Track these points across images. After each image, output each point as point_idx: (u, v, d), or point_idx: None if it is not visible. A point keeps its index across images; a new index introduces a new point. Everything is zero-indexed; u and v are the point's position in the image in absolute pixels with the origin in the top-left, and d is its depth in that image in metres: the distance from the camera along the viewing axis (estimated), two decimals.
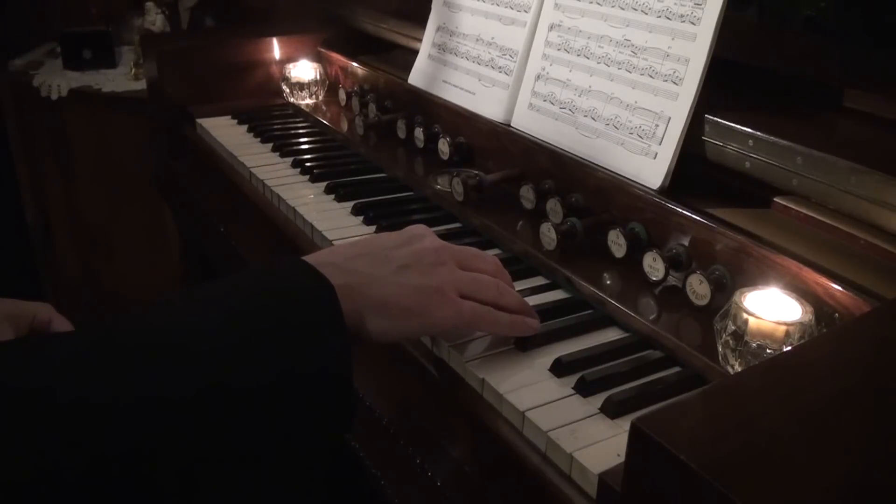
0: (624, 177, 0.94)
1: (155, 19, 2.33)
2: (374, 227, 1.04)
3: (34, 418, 0.48)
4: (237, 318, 0.58)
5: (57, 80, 2.22)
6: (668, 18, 0.93)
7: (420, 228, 0.78)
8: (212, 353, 0.55)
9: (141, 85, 2.12)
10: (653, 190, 0.91)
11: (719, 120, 0.89)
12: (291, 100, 1.54)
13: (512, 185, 1.06)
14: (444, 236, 1.00)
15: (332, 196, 1.14)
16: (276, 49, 1.61)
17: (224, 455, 0.54)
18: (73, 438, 0.48)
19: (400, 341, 0.80)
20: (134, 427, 0.50)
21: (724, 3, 0.88)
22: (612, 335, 0.80)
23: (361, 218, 1.07)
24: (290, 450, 0.58)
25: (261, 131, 1.41)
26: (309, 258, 0.67)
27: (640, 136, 0.94)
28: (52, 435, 0.48)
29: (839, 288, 0.70)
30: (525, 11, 1.15)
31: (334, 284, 0.63)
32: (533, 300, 0.86)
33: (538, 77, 1.10)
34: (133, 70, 2.26)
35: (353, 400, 0.62)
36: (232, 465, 0.55)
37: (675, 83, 0.91)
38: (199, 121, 1.49)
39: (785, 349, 0.65)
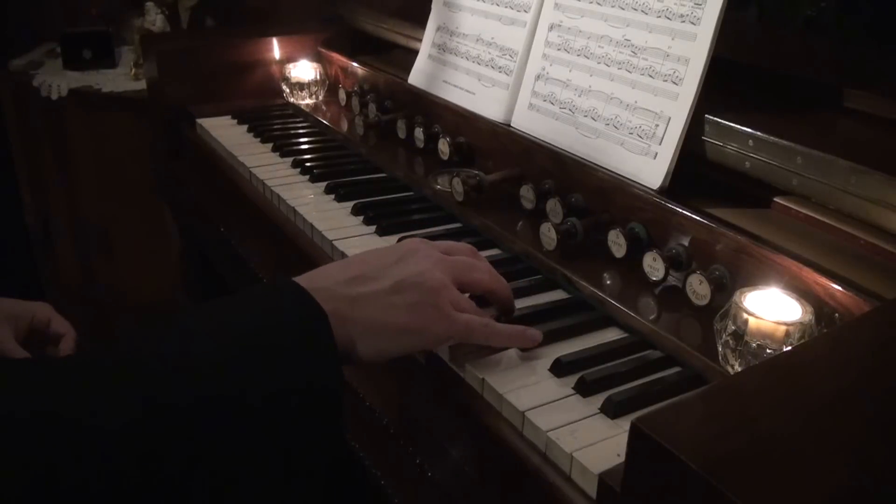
0: (624, 177, 0.94)
1: (155, 19, 2.32)
2: (373, 227, 1.04)
3: (34, 440, 0.49)
4: (233, 343, 0.59)
5: (57, 80, 2.22)
6: (668, 18, 0.93)
7: (414, 242, 0.77)
8: (207, 371, 0.56)
9: (141, 85, 2.11)
10: (653, 190, 0.91)
11: (719, 120, 0.89)
12: (291, 100, 1.54)
13: (512, 185, 1.06)
14: (444, 236, 1.01)
15: (332, 196, 1.14)
16: (276, 49, 1.61)
17: (219, 463, 0.55)
18: (76, 456, 0.49)
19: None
20: (134, 441, 0.51)
21: (724, 3, 0.88)
22: (612, 335, 0.80)
23: (361, 218, 1.07)
24: (282, 460, 0.59)
25: (261, 131, 1.41)
26: (303, 280, 0.67)
27: (640, 136, 0.94)
28: (54, 454, 0.49)
29: (839, 288, 0.70)
30: (525, 11, 1.14)
31: (327, 310, 0.63)
32: (533, 300, 0.86)
33: (538, 77, 1.10)
34: (133, 70, 2.26)
35: (342, 420, 0.62)
36: (231, 470, 0.56)
37: (675, 83, 0.91)
38: (199, 121, 1.49)
39: (785, 349, 0.65)
